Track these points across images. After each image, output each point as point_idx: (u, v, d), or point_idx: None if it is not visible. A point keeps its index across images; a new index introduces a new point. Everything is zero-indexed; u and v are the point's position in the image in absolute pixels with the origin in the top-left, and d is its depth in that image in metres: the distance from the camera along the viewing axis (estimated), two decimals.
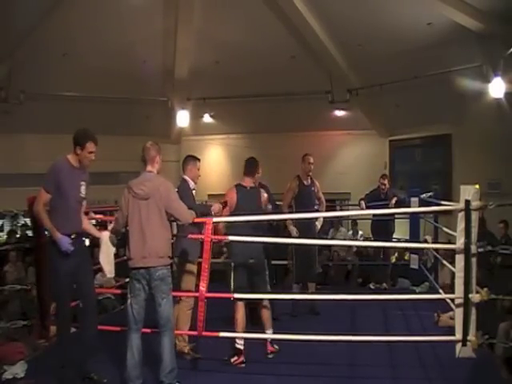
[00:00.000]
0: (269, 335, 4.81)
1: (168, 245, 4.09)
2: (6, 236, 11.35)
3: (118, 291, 6.13)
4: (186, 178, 4.96)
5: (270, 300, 5.01)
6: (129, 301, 3.98)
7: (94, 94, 10.29)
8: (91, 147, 4.12)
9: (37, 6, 8.39)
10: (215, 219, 4.62)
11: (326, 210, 6.91)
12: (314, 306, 6.26)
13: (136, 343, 3.94)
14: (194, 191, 4.94)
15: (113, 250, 4.36)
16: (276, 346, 4.88)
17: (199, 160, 5.09)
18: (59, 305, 4.15)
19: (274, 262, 7.40)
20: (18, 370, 4.38)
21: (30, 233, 8.64)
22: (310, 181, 6.44)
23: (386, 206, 7.57)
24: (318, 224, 6.46)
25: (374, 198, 7.95)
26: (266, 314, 4.87)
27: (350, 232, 10.25)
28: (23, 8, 8.16)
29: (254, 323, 5.12)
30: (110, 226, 4.33)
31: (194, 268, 4.86)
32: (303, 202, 6.28)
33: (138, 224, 3.92)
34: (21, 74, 9.52)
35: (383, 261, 8.28)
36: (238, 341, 4.64)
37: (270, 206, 5.69)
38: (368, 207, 7.73)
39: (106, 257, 4.29)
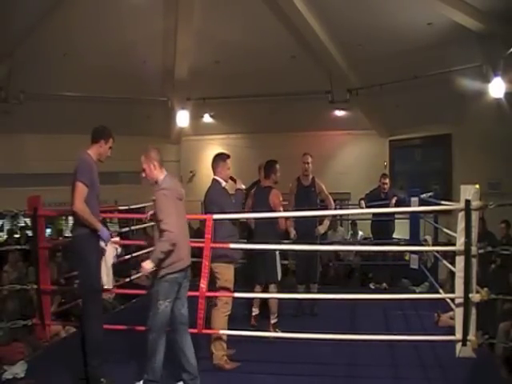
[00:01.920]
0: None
1: None
2: (6, 236, 11.38)
3: (118, 291, 6.15)
4: (218, 178, 4.82)
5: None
6: (167, 306, 3.82)
7: (94, 93, 10.29)
8: (111, 142, 4.28)
9: (37, 6, 8.39)
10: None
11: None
12: (313, 307, 6.24)
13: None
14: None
15: (111, 261, 4.30)
16: (278, 331, 5.15)
17: (229, 157, 4.91)
18: (97, 297, 4.20)
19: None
20: (18, 370, 4.39)
21: (29, 233, 8.63)
22: (310, 181, 6.34)
23: (387, 206, 7.57)
24: (322, 229, 6.30)
25: (375, 198, 7.95)
26: (273, 301, 5.40)
27: (351, 232, 10.23)
28: (23, 8, 8.15)
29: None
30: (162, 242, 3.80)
31: (231, 270, 4.76)
32: (301, 203, 6.23)
33: (183, 224, 4.01)
34: (21, 74, 9.51)
35: (383, 260, 8.26)
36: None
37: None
38: (368, 207, 7.73)
39: (106, 268, 4.27)
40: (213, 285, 4.71)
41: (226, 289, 4.67)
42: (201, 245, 4.67)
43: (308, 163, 6.30)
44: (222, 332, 4.57)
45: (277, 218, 5.43)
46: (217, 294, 4.68)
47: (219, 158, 4.90)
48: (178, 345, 3.93)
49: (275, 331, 5.23)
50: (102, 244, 4.14)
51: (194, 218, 4.79)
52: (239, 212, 5.00)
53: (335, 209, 10.83)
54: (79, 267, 4.22)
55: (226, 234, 4.67)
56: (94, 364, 4.02)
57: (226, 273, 4.69)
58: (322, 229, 6.28)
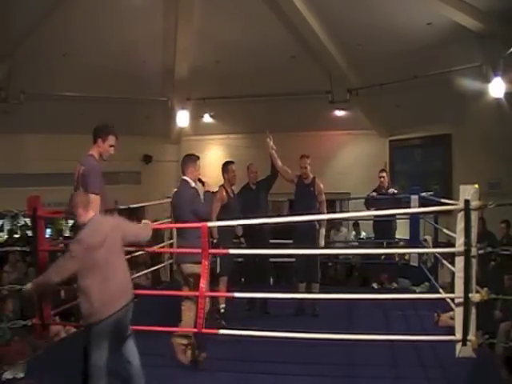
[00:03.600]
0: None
1: None
2: (6, 236, 11.39)
3: None
4: (187, 178, 4.83)
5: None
6: (101, 355, 3.56)
7: (94, 93, 10.29)
8: (112, 140, 4.19)
9: (37, 6, 8.39)
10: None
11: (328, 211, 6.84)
12: (314, 308, 6.20)
13: None
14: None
15: None
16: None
17: (199, 158, 4.96)
18: None
19: (275, 260, 7.46)
20: (18, 370, 4.38)
21: (29, 233, 8.63)
22: (310, 180, 6.28)
23: (388, 201, 7.56)
24: (321, 239, 6.20)
25: (376, 196, 7.99)
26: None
27: (353, 233, 10.22)
28: (23, 8, 8.16)
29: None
30: None
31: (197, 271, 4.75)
32: (300, 201, 6.29)
33: (107, 269, 3.70)
34: (21, 74, 9.53)
35: (386, 260, 8.22)
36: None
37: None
38: (373, 205, 7.76)
39: None
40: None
41: (197, 288, 4.67)
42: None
43: (306, 167, 6.25)
44: (221, 332, 4.58)
45: None
46: (217, 294, 4.69)
47: (190, 159, 4.90)
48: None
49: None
50: None
51: (191, 226, 4.80)
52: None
53: (335, 209, 10.91)
54: None
55: (195, 234, 4.63)
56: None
57: (197, 273, 4.67)
58: (321, 240, 6.19)
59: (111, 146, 4.21)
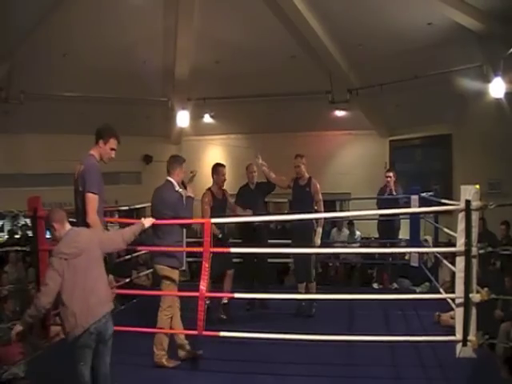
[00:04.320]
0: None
1: None
2: (6, 236, 11.39)
3: (119, 291, 6.14)
4: (172, 180, 4.81)
5: None
6: (82, 370, 3.52)
7: (94, 94, 10.30)
8: (114, 144, 4.15)
9: (37, 6, 8.39)
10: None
11: (328, 211, 6.82)
12: (310, 309, 6.12)
13: None
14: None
15: None
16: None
17: (185, 161, 4.96)
18: None
19: (273, 261, 7.45)
20: (18, 370, 4.38)
21: (30, 233, 8.64)
22: (306, 181, 6.20)
23: (394, 201, 7.53)
24: (317, 239, 6.06)
25: (382, 196, 7.98)
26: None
27: (347, 232, 10.19)
28: (23, 8, 8.16)
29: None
30: None
31: (176, 275, 4.77)
32: (296, 203, 6.30)
33: (83, 281, 3.63)
34: (21, 74, 9.53)
35: (387, 260, 8.20)
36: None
37: None
38: (379, 206, 7.76)
39: None
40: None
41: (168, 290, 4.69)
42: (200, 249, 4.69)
43: (299, 166, 6.20)
44: (221, 334, 4.58)
45: None
46: (217, 294, 4.69)
47: (176, 161, 4.88)
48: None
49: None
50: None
51: (193, 222, 4.80)
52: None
53: (335, 209, 10.88)
54: None
55: (175, 238, 4.66)
56: None
57: (170, 276, 4.69)
58: (317, 239, 6.09)
59: (112, 149, 4.16)
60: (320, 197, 6.17)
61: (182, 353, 4.66)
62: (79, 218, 4.10)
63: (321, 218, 6.18)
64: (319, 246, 6.16)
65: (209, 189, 6.06)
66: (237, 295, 4.81)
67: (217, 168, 6.13)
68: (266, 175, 6.37)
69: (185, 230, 4.87)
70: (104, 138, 4.12)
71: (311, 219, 6.11)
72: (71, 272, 3.45)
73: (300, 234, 6.05)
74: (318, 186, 6.22)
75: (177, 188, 4.76)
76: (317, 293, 6.26)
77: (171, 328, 4.62)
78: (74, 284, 3.45)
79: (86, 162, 4.09)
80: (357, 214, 8.16)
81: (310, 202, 6.12)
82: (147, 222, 4.22)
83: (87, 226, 3.96)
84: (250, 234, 6.19)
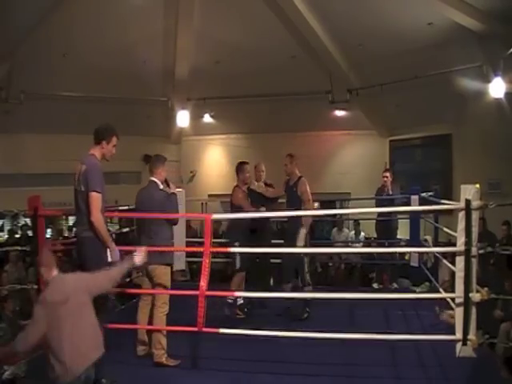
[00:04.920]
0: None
1: None
2: (6, 236, 11.39)
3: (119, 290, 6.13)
4: (155, 180, 4.85)
5: None
6: None
7: (95, 94, 10.30)
8: (115, 141, 4.22)
9: (37, 6, 8.39)
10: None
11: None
12: (300, 312, 5.99)
13: None
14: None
15: None
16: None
17: (166, 159, 5.01)
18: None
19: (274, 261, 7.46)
20: (18, 370, 4.38)
21: (30, 233, 8.63)
22: (294, 181, 6.12)
23: (392, 202, 7.55)
24: (300, 241, 5.88)
25: (379, 197, 8.00)
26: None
27: (353, 232, 10.21)
28: (23, 8, 8.16)
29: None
30: None
31: (169, 271, 4.81)
32: (286, 203, 6.32)
33: (70, 331, 3.55)
34: (21, 74, 9.52)
35: (387, 260, 8.20)
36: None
37: None
38: (377, 206, 7.77)
39: None
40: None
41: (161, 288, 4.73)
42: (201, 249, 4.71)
43: (285, 165, 6.19)
44: (221, 331, 4.58)
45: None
46: (218, 293, 4.70)
47: (159, 160, 4.94)
48: None
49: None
50: (110, 258, 4.09)
51: (194, 216, 4.81)
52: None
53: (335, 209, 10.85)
54: (94, 266, 4.08)
55: (165, 237, 4.70)
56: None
57: (164, 274, 4.73)
58: (299, 241, 5.89)
59: (114, 146, 4.24)
60: (308, 196, 6.01)
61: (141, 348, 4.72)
62: (81, 217, 4.12)
63: (306, 219, 5.96)
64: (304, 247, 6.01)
65: (237, 186, 6.18)
66: (237, 294, 4.81)
67: (242, 166, 6.23)
68: (264, 194, 6.30)
69: (173, 228, 4.95)
70: (106, 138, 4.18)
71: (298, 220, 5.91)
72: (58, 320, 3.35)
73: (288, 234, 6.10)
74: (307, 185, 6.05)
75: (161, 187, 4.83)
76: (317, 292, 6.25)
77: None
78: (62, 332, 3.36)
79: (88, 161, 4.11)
80: (349, 211, 8.19)
81: (297, 202, 6.00)
82: (138, 258, 3.88)
83: (91, 224, 3.99)
84: (253, 234, 6.16)
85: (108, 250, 4.09)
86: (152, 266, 4.68)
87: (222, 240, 7.04)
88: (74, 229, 4.20)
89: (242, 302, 6.05)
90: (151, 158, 5.03)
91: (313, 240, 9.68)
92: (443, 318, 5.50)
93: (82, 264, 4.10)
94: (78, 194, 4.12)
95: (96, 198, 3.99)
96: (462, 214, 4.25)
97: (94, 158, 4.15)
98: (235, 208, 6.08)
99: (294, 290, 6.10)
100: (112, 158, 4.28)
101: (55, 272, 3.54)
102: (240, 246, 5.78)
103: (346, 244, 9.83)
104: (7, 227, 12.09)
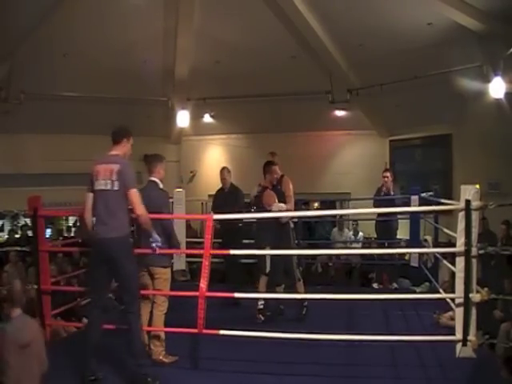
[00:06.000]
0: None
1: None
2: (6, 236, 11.39)
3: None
4: (155, 179, 4.85)
5: None
6: None
7: (95, 94, 10.28)
8: (132, 140, 4.45)
9: (37, 6, 8.39)
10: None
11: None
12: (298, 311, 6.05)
13: None
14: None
15: None
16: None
17: (164, 158, 5.06)
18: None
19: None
20: None
21: (30, 233, 8.64)
22: (278, 179, 6.11)
23: (391, 202, 7.54)
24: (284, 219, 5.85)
25: (378, 197, 8.00)
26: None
27: (351, 232, 10.23)
28: (24, 8, 8.16)
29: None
30: None
31: (169, 272, 4.82)
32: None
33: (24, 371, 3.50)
34: (21, 74, 9.52)
35: (387, 260, 8.21)
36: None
37: None
38: (376, 206, 7.76)
39: None
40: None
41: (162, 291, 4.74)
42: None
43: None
44: (221, 333, 4.57)
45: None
46: (217, 294, 4.69)
47: (157, 159, 4.94)
48: None
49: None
50: (154, 245, 4.35)
51: (194, 217, 4.81)
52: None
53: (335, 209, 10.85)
54: (129, 265, 4.18)
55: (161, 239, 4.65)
56: (144, 363, 4.14)
57: (164, 273, 4.73)
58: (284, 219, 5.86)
59: (132, 145, 4.43)
60: (290, 193, 6.03)
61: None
62: (108, 217, 4.11)
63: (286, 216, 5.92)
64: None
65: (266, 187, 6.06)
66: (237, 295, 4.80)
67: (269, 167, 6.07)
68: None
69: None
70: (128, 136, 4.39)
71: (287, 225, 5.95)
72: (13, 359, 3.27)
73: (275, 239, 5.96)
74: (289, 183, 6.10)
75: (161, 186, 4.84)
76: (317, 293, 6.24)
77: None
78: (10, 370, 3.28)
79: (120, 161, 4.20)
80: (350, 212, 8.19)
81: (281, 199, 5.97)
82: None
83: (135, 220, 4.26)
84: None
85: (153, 234, 4.32)
86: (152, 267, 4.69)
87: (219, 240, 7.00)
88: (94, 229, 4.18)
89: (262, 305, 5.95)
90: (148, 158, 5.00)
91: (313, 240, 9.75)
92: (442, 322, 5.49)
93: (111, 264, 4.11)
94: (106, 194, 4.12)
95: (137, 194, 4.18)
96: (461, 215, 4.25)
97: (122, 157, 4.26)
98: (264, 209, 5.88)
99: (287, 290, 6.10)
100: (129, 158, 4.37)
101: (19, 311, 3.46)
102: (271, 248, 5.71)
103: (347, 245, 9.84)
104: (7, 227, 12.10)
